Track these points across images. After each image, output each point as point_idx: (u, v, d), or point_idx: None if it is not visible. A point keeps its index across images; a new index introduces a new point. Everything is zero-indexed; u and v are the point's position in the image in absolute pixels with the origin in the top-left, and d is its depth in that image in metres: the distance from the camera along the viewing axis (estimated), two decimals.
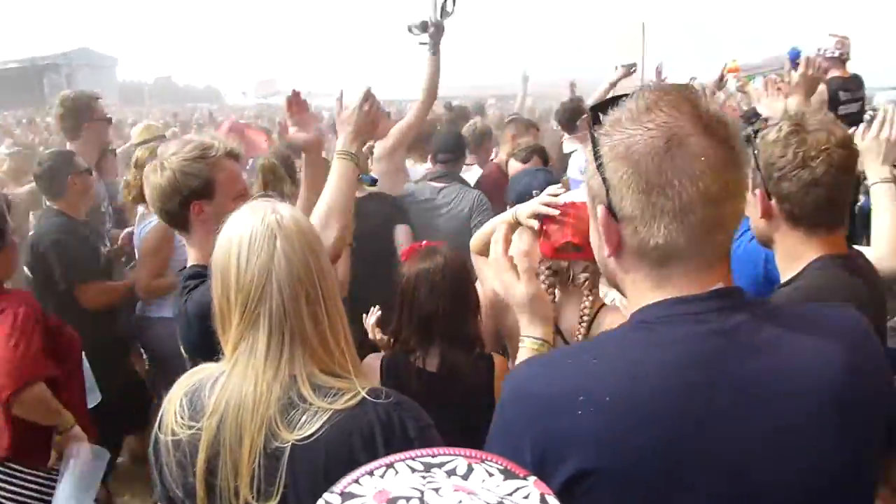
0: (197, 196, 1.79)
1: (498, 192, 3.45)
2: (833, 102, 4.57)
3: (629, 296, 0.99)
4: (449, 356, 1.98)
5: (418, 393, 1.74)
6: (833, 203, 1.56)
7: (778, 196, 1.58)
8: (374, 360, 2.07)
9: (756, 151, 1.62)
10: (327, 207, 1.91)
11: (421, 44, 3.63)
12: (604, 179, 0.91)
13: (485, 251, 2.02)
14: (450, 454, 0.70)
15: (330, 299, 1.26)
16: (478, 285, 2.10)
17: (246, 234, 1.23)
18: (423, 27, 3.56)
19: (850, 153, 1.58)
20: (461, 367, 1.97)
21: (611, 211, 0.92)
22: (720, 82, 4.17)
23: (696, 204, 0.87)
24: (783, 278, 1.66)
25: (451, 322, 1.99)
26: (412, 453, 0.70)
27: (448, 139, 4.01)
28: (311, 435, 1.16)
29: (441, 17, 3.55)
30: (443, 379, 1.96)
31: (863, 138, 1.96)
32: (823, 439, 0.87)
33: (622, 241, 0.93)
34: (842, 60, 4.84)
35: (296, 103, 2.26)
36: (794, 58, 4.12)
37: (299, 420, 1.18)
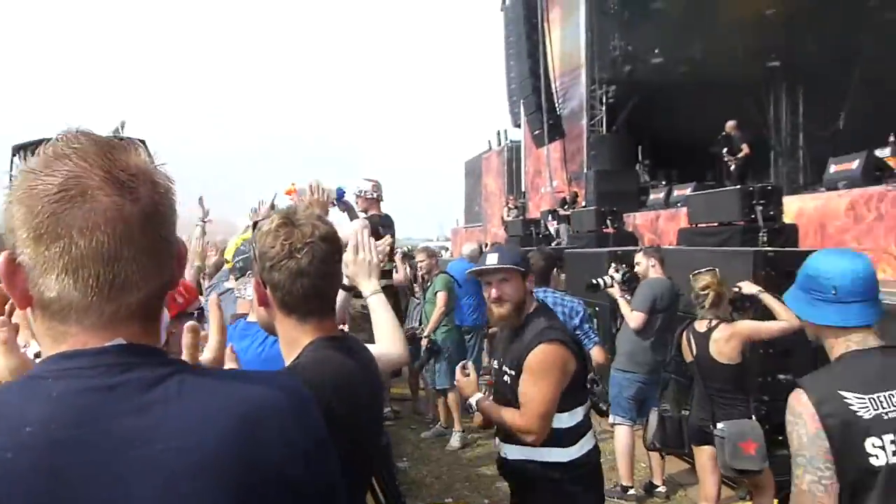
0: None
1: None
2: (375, 234, 5.38)
3: (42, 352, 0.90)
4: None
5: None
6: (320, 292, 1.70)
7: (271, 285, 1.68)
8: None
9: (254, 243, 1.73)
10: None
11: None
12: (7, 224, 0.85)
13: None
14: None
15: None
16: None
17: None
18: None
19: (332, 247, 1.75)
20: None
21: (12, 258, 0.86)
22: (273, 206, 4.49)
23: (87, 259, 0.83)
24: (287, 363, 1.74)
25: None
26: None
27: None
28: None
29: None
30: None
31: (351, 263, 2.20)
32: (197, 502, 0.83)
33: (29, 292, 0.86)
34: (377, 200, 5.78)
35: None
36: (340, 196, 4.78)
37: None
